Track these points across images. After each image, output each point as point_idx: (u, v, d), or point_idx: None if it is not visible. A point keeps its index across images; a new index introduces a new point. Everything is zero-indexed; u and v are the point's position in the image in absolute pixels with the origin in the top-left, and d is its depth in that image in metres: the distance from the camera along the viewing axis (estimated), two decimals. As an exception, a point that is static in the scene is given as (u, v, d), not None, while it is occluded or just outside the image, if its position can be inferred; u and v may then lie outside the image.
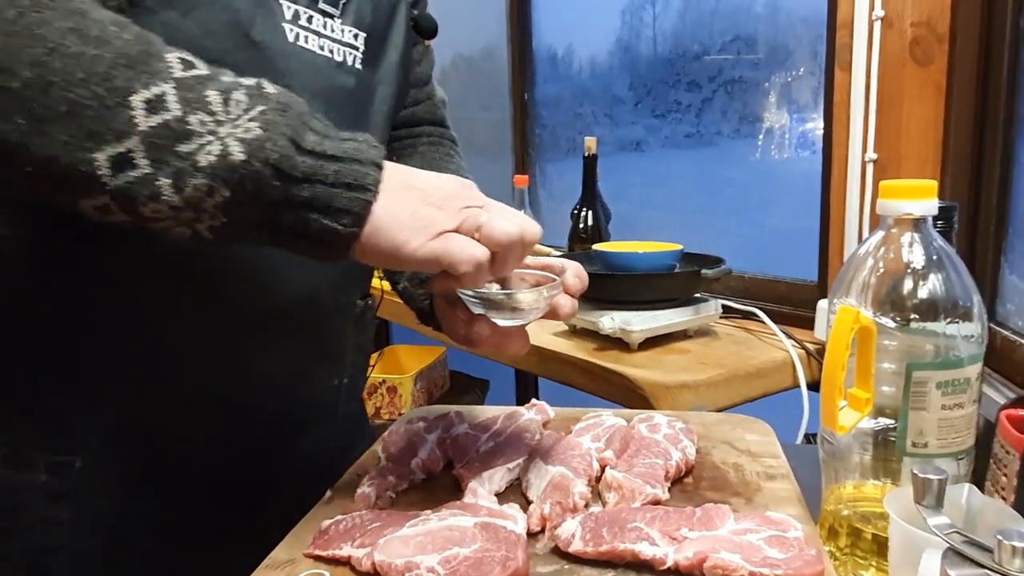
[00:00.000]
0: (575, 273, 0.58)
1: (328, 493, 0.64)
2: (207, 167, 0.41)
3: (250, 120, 0.42)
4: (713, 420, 0.78)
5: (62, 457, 0.55)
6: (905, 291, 0.51)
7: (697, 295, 1.25)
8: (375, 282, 0.75)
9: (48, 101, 0.38)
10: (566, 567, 0.51)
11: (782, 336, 1.19)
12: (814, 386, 1.17)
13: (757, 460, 0.68)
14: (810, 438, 1.07)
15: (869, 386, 0.51)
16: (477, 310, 0.57)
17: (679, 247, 1.26)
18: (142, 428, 0.57)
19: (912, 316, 0.50)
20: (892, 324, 0.50)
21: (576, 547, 0.51)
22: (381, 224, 0.45)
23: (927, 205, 0.51)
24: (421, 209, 0.46)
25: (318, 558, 0.53)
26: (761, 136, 1.62)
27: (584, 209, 1.57)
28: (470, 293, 0.55)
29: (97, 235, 0.53)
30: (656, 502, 0.58)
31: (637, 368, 1.06)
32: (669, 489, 0.61)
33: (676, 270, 1.24)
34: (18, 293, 0.54)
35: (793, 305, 1.32)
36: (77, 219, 0.52)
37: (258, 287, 0.59)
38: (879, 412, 0.53)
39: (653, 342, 1.17)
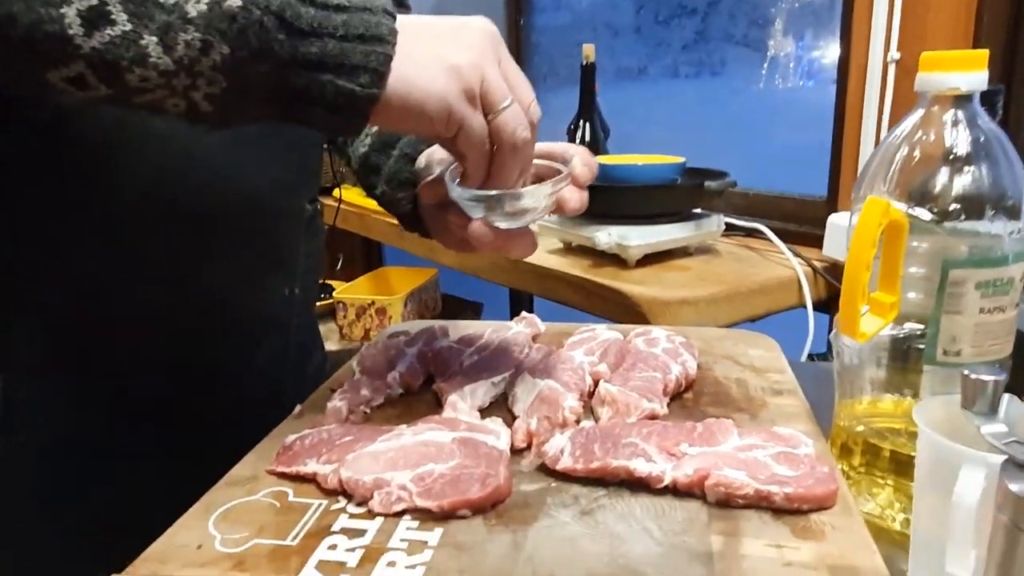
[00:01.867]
0: (583, 161, 0.51)
1: (298, 408, 0.59)
2: (198, 17, 0.34)
3: None
4: (715, 335, 0.73)
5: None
6: (945, 180, 0.44)
7: (699, 211, 1.19)
8: (336, 192, 0.70)
9: None
10: (553, 485, 0.46)
11: (788, 253, 1.13)
12: (819, 306, 1.12)
13: (762, 375, 0.63)
14: (814, 358, 1.02)
15: (896, 289, 0.46)
16: (475, 214, 0.49)
17: (681, 159, 1.18)
18: (77, 347, 0.52)
19: (952, 208, 0.44)
20: (927, 217, 0.44)
21: (565, 464, 0.46)
22: (405, 80, 0.39)
23: (975, 78, 0.43)
24: (450, 56, 0.40)
25: (282, 475, 0.48)
26: (767, 61, 1.54)
27: (581, 122, 1.48)
28: (467, 196, 0.47)
29: (25, 135, 0.47)
30: (653, 417, 0.53)
31: (635, 285, 1.01)
32: (667, 404, 0.56)
33: (678, 183, 1.17)
34: None
35: (800, 222, 1.26)
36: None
37: (198, 189, 0.53)
38: (902, 320, 0.48)
39: (652, 259, 1.11)
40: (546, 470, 0.47)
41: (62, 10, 0.33)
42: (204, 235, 0.55)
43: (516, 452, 0.50)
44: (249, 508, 0.45)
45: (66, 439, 0.52)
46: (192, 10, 0.34)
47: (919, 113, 0.45)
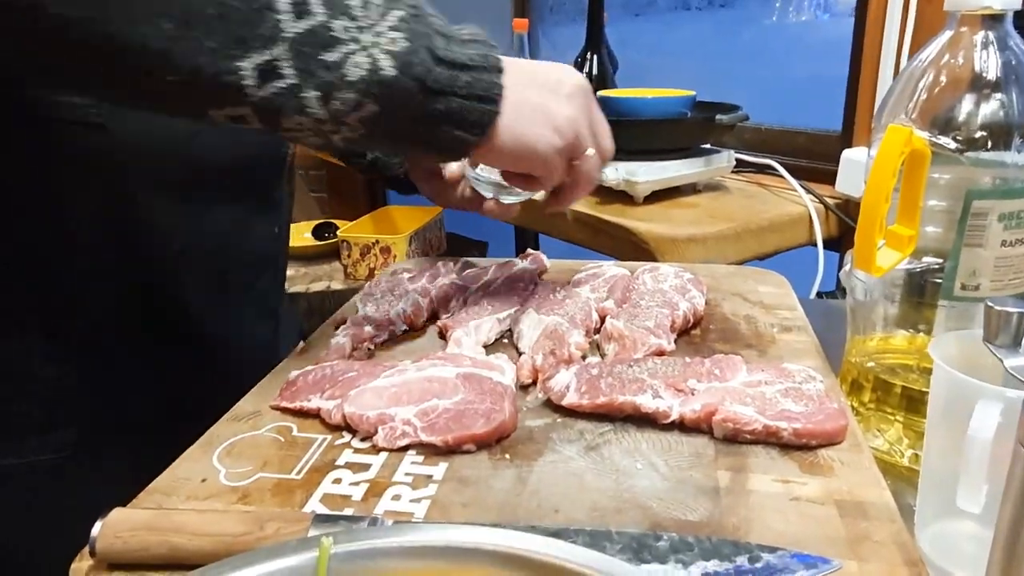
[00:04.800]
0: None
1: (300, 344, 0.58)
2: (358, 82, 0.39)
3: (391, 29, 0.40)
4: (724, 272, 0.72)
5: (59, 321, 0.54)
6: (971, 107, 0.42)
7: (708, 146, 1.16)
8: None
9: (197, 3, 0.36)
10: (559, 420, 0.46)
11: (800, 190, 1.11)
12: (830, 244, 1.10)
13: (771, 312, 0.62)
14: (823, 296, 1.01)
15: (915, 221, 0.44)
16: (487, 193, 0.60)
17: (691, 93, 1.15)
18: (128, 288, 0.56)
19: (978, 136, 0.42)
20: (952, 146, 0.42)
21: (570, 399, 0.46)
22: (515, 135, 0.46)
23: (1010, -4, 0.41)
24: (554, 114, 0.47)
25: (285, 410, 0.48)
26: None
27: (589, 55, 1.43)
28: (484, 180, 0.59)
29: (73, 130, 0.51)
30: (660, 353, 0.52)
31: (641, 222, 0.99)
32: (675, 341, 0.55)
33: (688, 117, 1.14)
34: None
35: (813, 158, 1.23)
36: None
37: (198, 157, 0.57)
38: (918, 255, 0.46)
39: (660, 196, 1.09)
40: (552, 406, 0.47)
41: (241, 63, 0.37)
42: (207, 190, 0.59)
43: (522, 388, 0.50)
44: (253, 443, 0.45)
45: (120, 372, 0.57)
46: (352, 73, 0.39)
47: (947, 35, 0.43)
